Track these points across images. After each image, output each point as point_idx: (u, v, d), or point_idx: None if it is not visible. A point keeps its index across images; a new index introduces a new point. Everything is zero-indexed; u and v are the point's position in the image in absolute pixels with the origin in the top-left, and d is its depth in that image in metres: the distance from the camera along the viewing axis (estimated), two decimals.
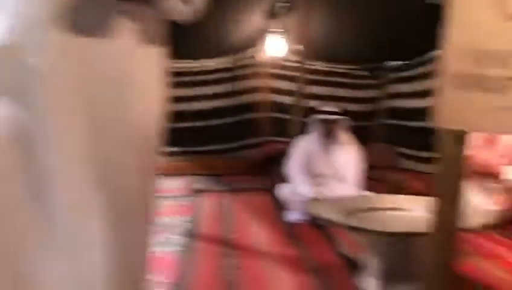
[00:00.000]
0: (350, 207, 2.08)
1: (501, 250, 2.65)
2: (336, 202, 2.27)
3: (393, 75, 5.92)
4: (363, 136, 6.07)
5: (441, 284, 1.39)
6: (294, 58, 5.35)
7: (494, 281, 2.16)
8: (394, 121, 5.89)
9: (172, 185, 4.13)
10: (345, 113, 3.48)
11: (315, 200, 2.70)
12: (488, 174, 3.19)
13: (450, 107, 1.24)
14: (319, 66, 5.86)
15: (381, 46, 5.20)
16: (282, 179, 3.59)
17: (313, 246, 2.70)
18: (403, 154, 5.69)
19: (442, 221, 1.39)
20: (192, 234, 2.88)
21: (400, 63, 5.76)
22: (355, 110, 6.11)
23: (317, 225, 3.11)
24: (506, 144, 3.23)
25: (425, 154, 5.08)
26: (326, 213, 2.10)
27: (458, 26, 1.23)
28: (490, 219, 3.09)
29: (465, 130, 1.26)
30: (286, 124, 5.37)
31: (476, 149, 3.35)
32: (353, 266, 2.27)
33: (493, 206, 3.11)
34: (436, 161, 1.43)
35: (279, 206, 3.51)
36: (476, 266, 2.36)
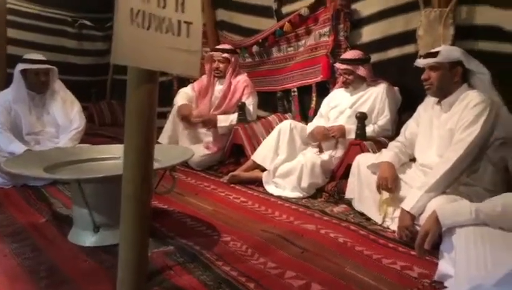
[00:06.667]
0: (50, 160, 1.93)
1: (209, 186, 3.04)
2: (34, 157, 2.07)
3: None
4: (89, 91, 5.84)
5: (136, 220, 1.46)
6: None
7: (194, 210, 2.45)
8: (123, 76, 5.88)
9: None
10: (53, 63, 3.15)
11: (12, 158, 2.38)
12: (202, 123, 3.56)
13: (126, 44, 1.25)
14: (29, 8, 5.20)
15: None
16: None
17: (18, 210, 2.42)
18: None
19: (134, 160, 1.43)
20: None
21: None
22: (79, 63, 5.73)
23: (28, 187, 2.82)
24: (216, 96, 3.67)
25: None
26: (25, 170, 1.88)
27: None
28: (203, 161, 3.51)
29: (140, 66, 1.30)
30: None
31: (196, 99, 3.69)
32: (65, 222, 2.16)
33: (204, 150, 3.53)
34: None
35: None
36: (179, 199, 2.66)
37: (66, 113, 3.08)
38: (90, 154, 2.29)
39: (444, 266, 1.56)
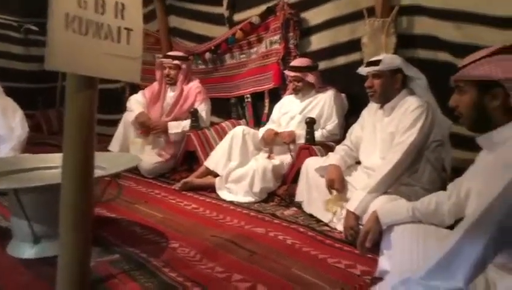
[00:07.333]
0: None
1: (160, 193, 3.01)
2: None
3: None
4: (36, 98, 5.62)
5: (76, 229, 1.42)
6: None
7: (143, 218, 2.43)
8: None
9: None
10: None
11: None
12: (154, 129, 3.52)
13: (61, 50, 1.23)
14: None
15: None
16: None
17: None
18: None
19: (73, 169, 1.40)
20: None
21: None
22: (26, 69, 5.51)
23: None
24: (168, 103, 3.64)
25: (102, 116, 5.16)
26: None
27: None
28: (155, 169, 3.47)
29: (77, 72, 1.28)
30: None
31: (147, 105, 3.64)
32: (5, 234, 2.06)
33: (157, 158, 3.49)
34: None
35: None
36: (128, 207, 2.62)
37: (6, 122, 2.95)
38: (32, 164, 2.20)
39: (384, 262, 1.63)
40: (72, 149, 1.37)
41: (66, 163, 1.38)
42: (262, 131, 3.13)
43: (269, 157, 3.02)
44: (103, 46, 1.33)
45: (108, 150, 3.44)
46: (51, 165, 2.23)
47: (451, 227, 1.55)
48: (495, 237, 1.09)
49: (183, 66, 3.61)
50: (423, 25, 2.76)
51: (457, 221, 1.55)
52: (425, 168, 2.18)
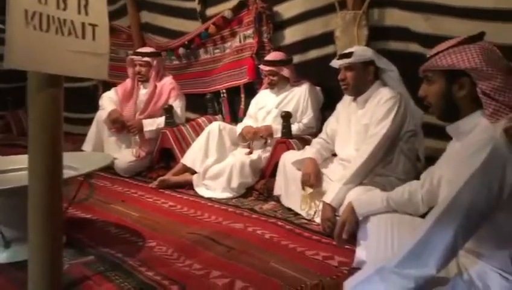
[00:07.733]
0: None
1: (136, 192, 2.96)
2: None
3: None
4: (5, 98, 5.43)
5: (45, 231, 1.39)
6: None
7: (119, 218, 2.39)
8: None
9: None
10: None
11: None
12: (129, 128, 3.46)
13: (21, 48, 1.18)
14: None
15: None
16: None
17: None
18: None
19: (39, 170, 1.36)
20: None
21: None
22: None
23: None
24: (141, 100, 3.58)
25: (76, 115, 5.04)
26: None
27: None
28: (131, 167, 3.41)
29: (39, 70, 1.24)
30: None
31: (120, 103, 3.57)
32: None
33: (132, 156, 3.44)
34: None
35: None
36: (103, 207, 2.58)
37: None
38: (1, 166, 2.14)
39: (360, 253, 1.65)
40: (37, 150, 1.33)
41: (32, 164, 1.34)
42: (240, 127, 3.11)
43: (249, 153, 3.01)
44: (67, 42, 1.29)
45: (82, 150, 3.36)
46: (21, 167, 2.16)
47: (425, 215, 1.58)
48: (463, 225, 1.11)
49: (154, 62, 3.55)
50: (394, 17, 2.78)
51: (432, 209, 1.58)
52: (399, 159, 2.21)
